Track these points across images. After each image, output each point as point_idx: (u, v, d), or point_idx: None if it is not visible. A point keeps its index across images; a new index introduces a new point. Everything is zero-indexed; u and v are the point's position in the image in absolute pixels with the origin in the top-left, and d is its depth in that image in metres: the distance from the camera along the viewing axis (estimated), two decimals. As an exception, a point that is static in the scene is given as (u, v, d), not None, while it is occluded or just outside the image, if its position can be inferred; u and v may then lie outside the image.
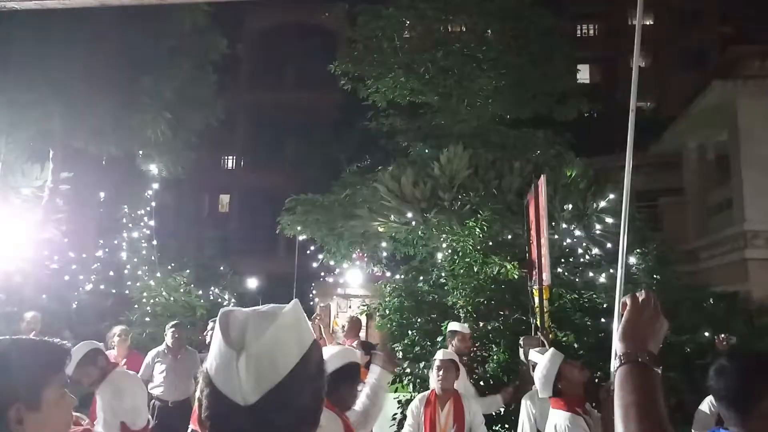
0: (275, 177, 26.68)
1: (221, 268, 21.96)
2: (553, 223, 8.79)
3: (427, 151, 12.23)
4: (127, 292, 12.86)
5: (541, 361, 4.05)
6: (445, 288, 8.40)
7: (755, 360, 1.84)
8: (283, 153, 26.55)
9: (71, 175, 11.64)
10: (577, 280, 8.43)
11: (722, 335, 7.79)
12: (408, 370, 7.92)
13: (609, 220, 9.11)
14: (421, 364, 7.49)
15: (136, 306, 11.99)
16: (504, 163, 10.18)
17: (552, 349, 3.75)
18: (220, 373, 1.07)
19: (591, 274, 8.53)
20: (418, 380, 7.43)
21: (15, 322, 8.17)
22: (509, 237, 9.04)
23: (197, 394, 1.13)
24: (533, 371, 5.61)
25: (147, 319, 11.66)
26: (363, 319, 10.22)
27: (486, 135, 12.00)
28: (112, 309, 12.61)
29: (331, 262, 13.70)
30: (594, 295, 7.83)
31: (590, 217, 9.21)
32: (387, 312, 8.72)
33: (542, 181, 7.61)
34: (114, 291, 13.64)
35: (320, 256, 13.69)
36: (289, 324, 1.11)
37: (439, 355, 5.01)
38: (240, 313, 1.12)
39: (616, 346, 1.30)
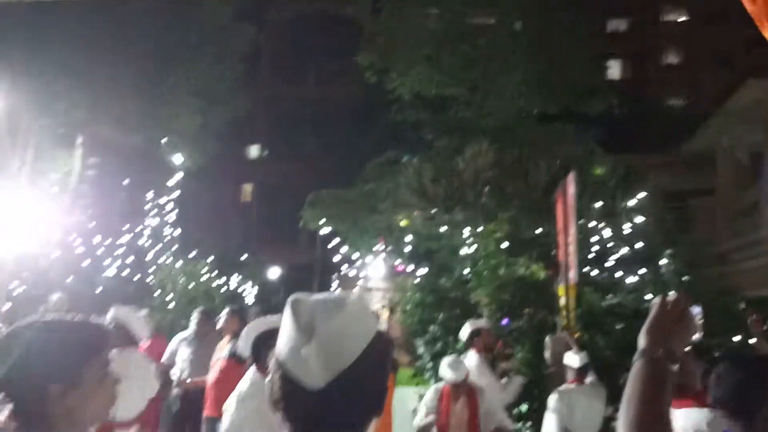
0: (298, 167, 26.71)
1: (243, 257, 22.02)
2: (582, 221, 8.62)
3: (451, 145, 12.09)
4: (149, 279, 12.96)
5: None
6: (468, 285, 8.31)
7: (752, 367, 1.86)
8: (305, 143, 26.59)
9: (98, 161, 11.76)
10: (608, 279, 8.28)
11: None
12: (429, 365, 7.85)
13: (639, 218, 8.92)
14: (443, 360, 7.41)
15: (158, 291, 12.08)
16: (531, 160, 10.03)
17: None
18: (290, 358, 1.12)
19: (620, 273, 8.37)
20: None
21: (42, 304, 8.22)
22: (536, 235, 8.90)
23: (269, 377, 1.19)
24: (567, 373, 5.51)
25: (169, 306, 11.74)
26: (385, 313, 10.20)
27: (513, 130, 11.83)
28: (135, 294, 12.72)
29: (353, 256, 13.67)
30: (623, 297, 7.68)
31: (620, 216, 9.02)
32: (409, 307, 8.66)
33: (570, 178, 7.46)
34: (137, 277, 13.75)
35: (342, 249, 13.67)
36: (356, 312, 1.15)
37: (448, 375, 4.82)
38: (309, 300, 1.16)
39: (639, 341, 1.35)
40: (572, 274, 7.14)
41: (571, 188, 7.33)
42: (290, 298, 1.17)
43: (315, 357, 1.08)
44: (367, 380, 1.13)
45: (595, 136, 11.80)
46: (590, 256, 8.61)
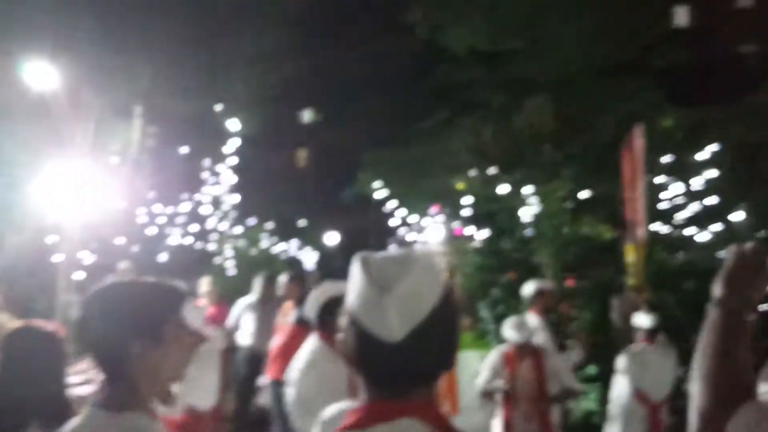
0: (352, 130, 26.55)
1: (300, 222, 22.26)
2: (649, 176, 8.23)
3: (508, 102, 11.68)
4: (210, 246, 13.22)
5: None
6: (530, 247, 8.11)
7: None
8: (358, 105, 26.37)
9: (157, 130, 11.95)
10: (678, 236, 7.94)
11: None
12: (491, 328, 7.76)
13: (711, 172, 8.45)
14: (506, 321, 7.29)
15: (220, 258, 12.33)
16: (593, 115, 9.62)
17: None
18: (365, 312, 1.12)
19: (691, 230, 8.00)
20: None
21: (110, 273, 8.48)
22: (600, 193, 8.58)
23: (341, 334, 1.19)
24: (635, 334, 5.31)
25: (229, 272, 11.97)
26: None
27: (574, 84, 11.31)
28: (197, 262, 13.01)
29: (409, 220, 13.61)
30: (694, 254, 7.34)
31: (689, 170, 8.57)
32: (468, 270, 8.55)
33: (637, 132, 7.11)
34: (198, 245, 14.06)
35: (398, 213, 13.60)
36: (426, 267, 1.15)
37: (512, 336, 4.67)
38: (378, 257, 1.18)
39: (714, 290, 1.31)
40: (640, 232, 6.86)
41: (639, 142, 6.99)
42: (358, 255, 1.17)
43: (392, 310, 1.09)
44: (440, 333, 1.14)
45: (662, 87, 11.14)
46: (659, 212, 8.26)
